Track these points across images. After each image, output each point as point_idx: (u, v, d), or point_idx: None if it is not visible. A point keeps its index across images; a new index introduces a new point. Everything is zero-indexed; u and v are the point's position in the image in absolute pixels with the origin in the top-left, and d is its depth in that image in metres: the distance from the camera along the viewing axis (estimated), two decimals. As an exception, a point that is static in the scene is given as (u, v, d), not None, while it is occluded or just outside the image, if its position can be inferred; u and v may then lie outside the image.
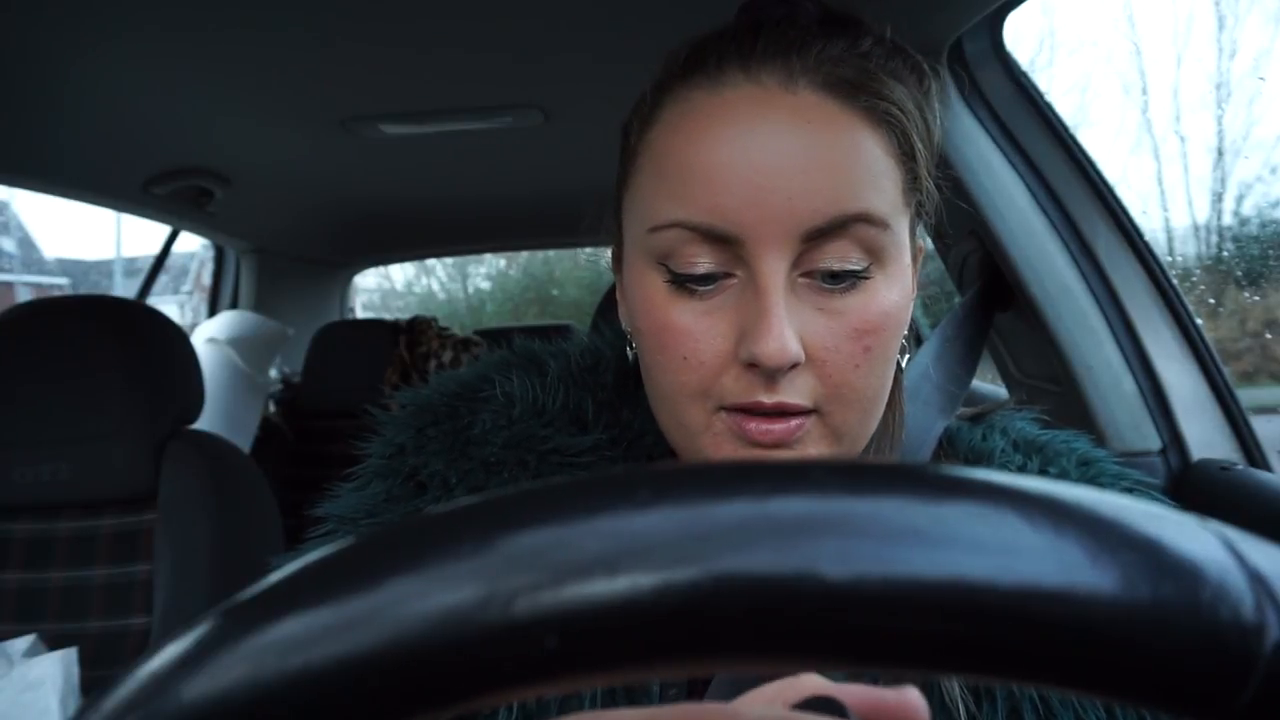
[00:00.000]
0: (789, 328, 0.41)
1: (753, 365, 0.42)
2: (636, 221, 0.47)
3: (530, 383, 0.54)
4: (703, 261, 0.43)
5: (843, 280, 0.43)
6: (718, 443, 0.45)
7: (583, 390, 0.54)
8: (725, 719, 0.19)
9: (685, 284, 0.44)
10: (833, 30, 0.45)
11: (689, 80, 0.45)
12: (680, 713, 0.19)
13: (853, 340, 0.43)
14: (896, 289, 0.45)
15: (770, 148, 0.42)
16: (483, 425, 0.53)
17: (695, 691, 0.47)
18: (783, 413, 0.43)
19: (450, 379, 0.57)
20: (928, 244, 0.53)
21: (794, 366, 0.42)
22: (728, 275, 0.44)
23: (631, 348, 0.53)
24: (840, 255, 0.43)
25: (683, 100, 0.45)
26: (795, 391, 0.43)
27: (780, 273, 0.42)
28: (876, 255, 0.43)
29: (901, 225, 0.45)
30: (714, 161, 0.42)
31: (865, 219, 0.42)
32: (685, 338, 0.44)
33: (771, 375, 0.42)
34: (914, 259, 0.48)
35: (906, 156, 0.45)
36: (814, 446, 0.45)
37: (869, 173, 0.43)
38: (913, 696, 0.21)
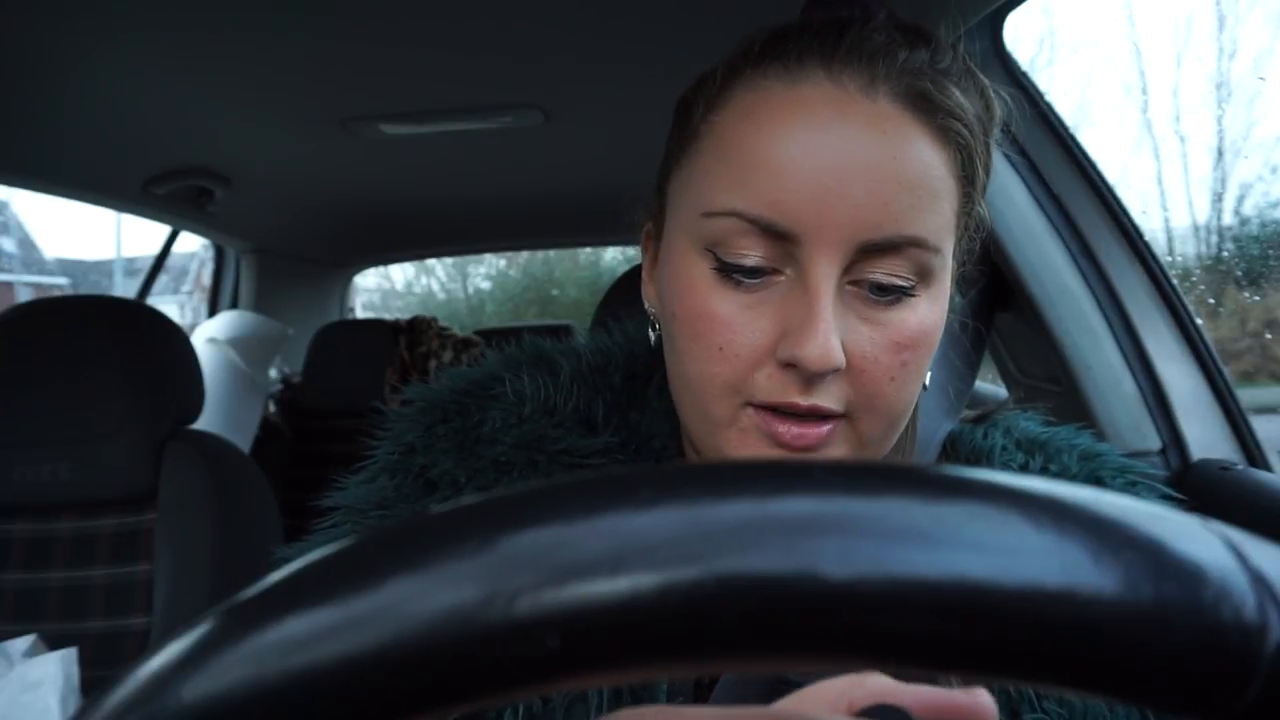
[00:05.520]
0: (834, 333, 0.41)
1: (790, 365, 0.42)
2: (689, 204, 0.46)
3: (541, 382, 0.54)
4: (753, 254, 0.43)
5: (890, 294, 0.43)
6: (743, 438, 0.44)
7: (593, 391, 0.54)
8: None
9: (732, 274, 0.43)
10: (915, 40, 0.44)
11: (764, 69, 0.44)
12: (751, 714, 0.19)
13: (891, 353, 0.43)
14: (937, 308, 0.45)
15: (843, 151, 0.41)
16: (492, 424, 0.52)
17: (700, 690, 0.46)
18: (815, 415, 0.43)
19: (460, 376, 0.57)
20: None
21: (833, 372, 0.42)
22: (776, 271, 0.43)
23: (655, 329, 0.52)
24: (891, 270, 0.42)
25: (756, 88, 0.44)
26: (829, 395, 0.42)
27: (832, 277, 0.41)
28: (924, 275, 0.43)
29: (949, 247, 0.45)
30: (783, 156, 0.41)
31: (919, 244, 0.42)
32: (724, 328, 0.43)
33: (809, 378, 0.42)
34: (952, 279, 0.48)
35: (966, 180, 0.45)
36: (838, 450, 0.44)
37: (932, 193, 0.42)
38: (984, 699, 0.20)
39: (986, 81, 0.47)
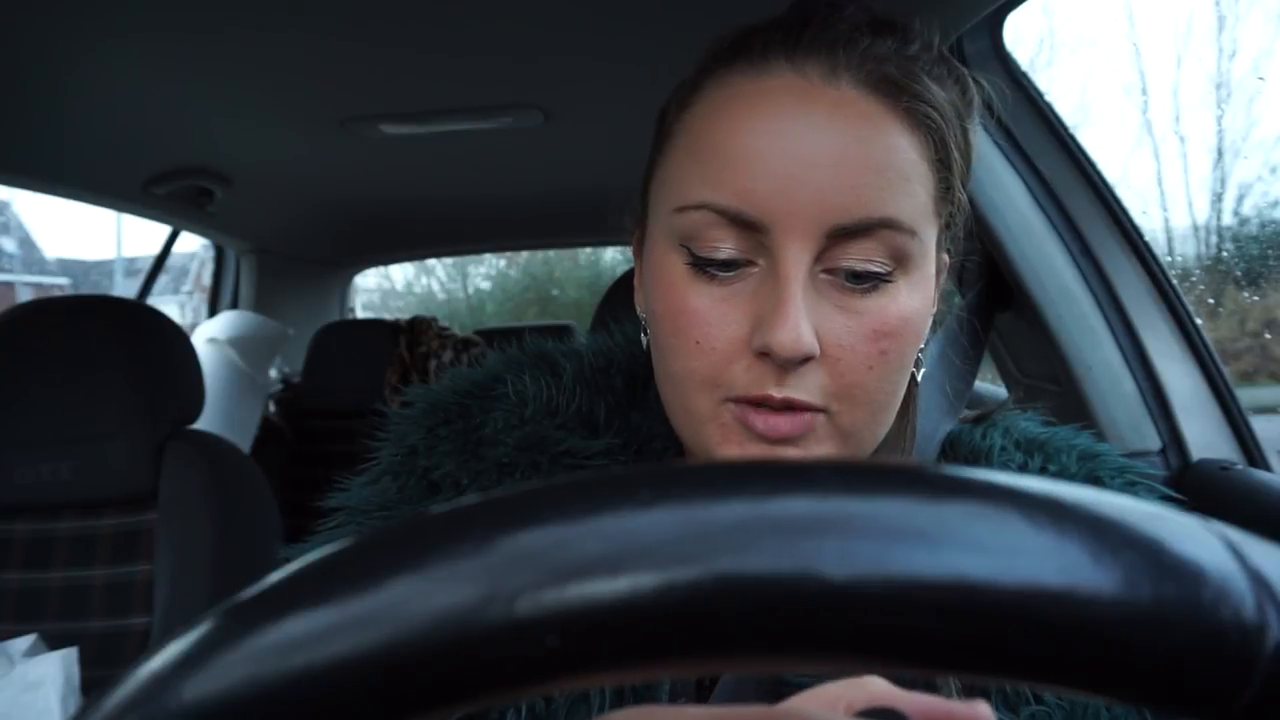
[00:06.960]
0: (805, 320, 0.41)
1: (765, 355, 0.42)
2: (664, 202, 0.47)
3: (544, 383, 0.54)
4: (726, 246, 0.43)
5: (865, 281, 0.43)
6: (724, 433, 0.45)
7: (595, 393, 0.54)
8: None
9: (706, 268, 0.44)
10: (881, 30, 0.44)
11: (732, 65, 0.45)
12: (748, 714, 0.19)
13: (869, 341, 0.43)
14: (918, 296, 0.44)
15: (807, 140, 0.41)
16: (494, 425, 0.52)
17: (702, 691, 0.46)
18: (790, 408, 0.43)
19: (462, 377, 0.57)
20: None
21: (806, 361, 0.42)
22: (750, 263, 0.43)
23: (645, 333, 0.52)
24: (865, 256, 0.42)
25: (724, 84, 0.45)
26: (805, 388, 0.42)
27: (802, 265, 0.42)
28: (901, 260, 0.43)
29: (929, 234, 0.45)
30: (749, 147, 0.42)
31: (891, 225, 0.42)
32: (700, 321, 0.44)
33: (783, 367, 0.42)
34: (938, 272, 0.48)
35: (942, 165, 0.45)
36: (821, 446, 0.44)
37: (901, 176, 0.42)
38: (982, 711, 0.20)
39: (965, 70, 0.47)
